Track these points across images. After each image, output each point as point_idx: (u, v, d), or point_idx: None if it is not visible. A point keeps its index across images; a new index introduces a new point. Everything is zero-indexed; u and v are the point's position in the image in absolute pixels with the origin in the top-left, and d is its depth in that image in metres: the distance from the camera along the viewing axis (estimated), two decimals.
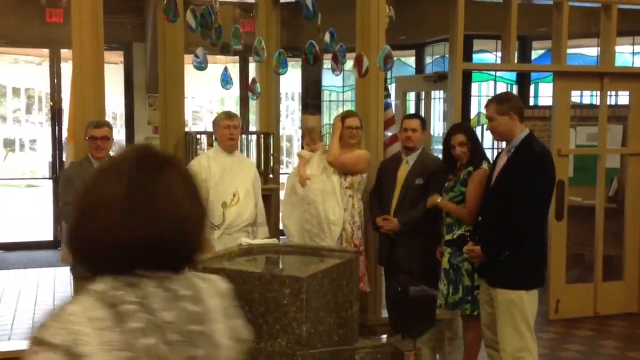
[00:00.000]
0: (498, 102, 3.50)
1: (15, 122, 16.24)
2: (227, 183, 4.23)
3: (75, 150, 4.25)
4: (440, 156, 4.32)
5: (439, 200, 3.94)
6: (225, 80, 4.11)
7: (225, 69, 4.14)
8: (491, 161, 3.93)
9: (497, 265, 3.37)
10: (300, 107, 10.72)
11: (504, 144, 3.66)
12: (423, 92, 7.44)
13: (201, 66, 3.90)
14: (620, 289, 5.73)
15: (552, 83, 5.68)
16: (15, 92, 15.45)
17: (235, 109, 9.26)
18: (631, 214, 5.75)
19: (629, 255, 5.74)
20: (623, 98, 7.23)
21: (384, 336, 4.43)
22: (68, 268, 4.29)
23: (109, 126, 4.10)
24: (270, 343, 3.07)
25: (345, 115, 4.54)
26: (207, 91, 12.30)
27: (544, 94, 10.00)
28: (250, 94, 4.40)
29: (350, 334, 3.49)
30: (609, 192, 6.77)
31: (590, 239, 5.80)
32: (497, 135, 3.56)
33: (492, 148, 7.75)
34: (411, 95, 7.85)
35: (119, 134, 9.12)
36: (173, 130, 5.02)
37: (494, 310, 3.43)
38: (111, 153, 4.16)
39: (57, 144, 8.53)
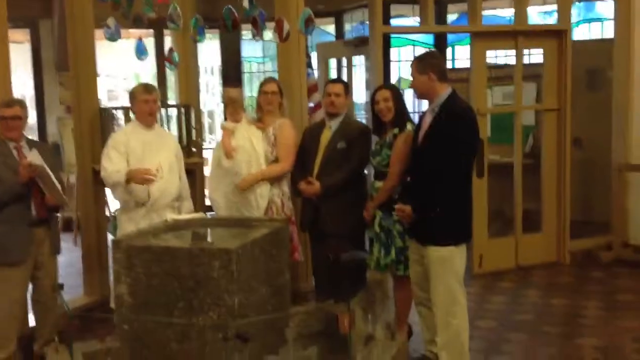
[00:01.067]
0: (418, 60, 3.55)
1: None
2: (149, 159, 4.09)
3: None
4: (364, 122, 4.34)
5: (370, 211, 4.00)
6: (140, 51, 3.96)
7: (140, 38, 3.98)
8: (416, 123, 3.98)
9: (426, 224, 3.43)
10: (221, 81, 10.50)
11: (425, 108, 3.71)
12: (345, 59, 7.43)
13: (113, 37, 3.73)
14: (539, 240, 6.00)
15: (469, 45, 5.79)
16: None
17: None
18: (547, 168, 5.99)
19: (546, 207, 5.99)
20: (536, 57, 7.50)
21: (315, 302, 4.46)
22: None
23: (21, 105, 3.88)
24: (201, 318, 3.03)
25: (262, 82, 4.49)
26: (121, 68, 11.87)
27: (460, 56, 10.24)
28: (168, 64, 4.25)
29: (282, 302, 3.49)
30: (525, 149, 7.05)
31: (510, 195, 6.01)
32: (417, 94, 3.61)
33: (415, 112, 7.87)
34: (333, 63, 7.83)
35: (30, 116, 8.71)
36: (87, 107, 4.83)
37: (424, 268, 3.51)
38: (24, 133, 3.95)
39: None
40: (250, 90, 11.39)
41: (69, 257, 6.09)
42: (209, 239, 3.56)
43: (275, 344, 3.22)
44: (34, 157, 3.74)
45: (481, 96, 5.69)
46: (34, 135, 8.71)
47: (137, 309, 3.18)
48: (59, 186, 3.86)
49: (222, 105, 10.40)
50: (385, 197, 3.89)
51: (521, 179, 5.88)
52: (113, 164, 4.02)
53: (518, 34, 5.76)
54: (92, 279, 5.00)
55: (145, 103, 4.10)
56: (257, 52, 12.08)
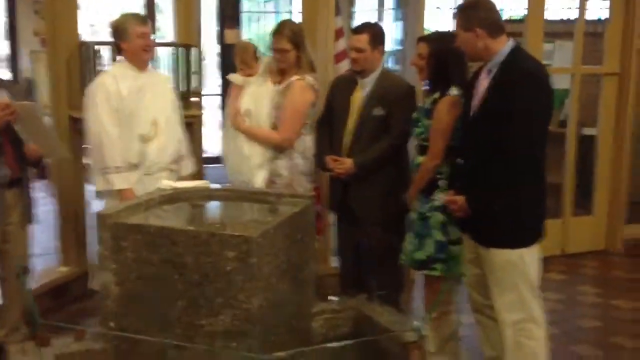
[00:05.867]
0: (460, 13, 2.90)
1: None
2: (143, 109, 3.47)
3: None
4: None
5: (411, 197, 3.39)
6: None
7: None
8: None
9: (488, 218, 2.83)
10: (218, 21, 9.79)
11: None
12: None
13: None
14: (589, 224, 5.54)
15: None
16: None
17: None
18: (602, 140, 5.53)
19: (599, 186, 5.52)
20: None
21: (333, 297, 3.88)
22: None
23: None
24: (210, 321, 2.50)
25: (271, 31, 3.78)
26: (105, 3, 11.06)
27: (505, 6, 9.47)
28: None
29: (306, 298, 2.97)
30: (560, 117, 6.54)
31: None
32: (467, 54, 2.98)
33: None
34: (359, 5, 7.07)
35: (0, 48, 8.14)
36: (64, 41, 4.19)
37: (482, 270, 2.94)
38: None
39: None
40: (249, 33, 10.66)
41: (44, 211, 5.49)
42: (219, 218, 3.00)
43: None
44: (4, 98, 3.16)
45: (537, 54, 5.09)
46: (4, 70, 8.13)
47: (126, 303, 2.65)
48: (54, 132, 3.28)
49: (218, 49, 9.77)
50: (427, 180, 3.29)
51: (574, 151, 5.35)
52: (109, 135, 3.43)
53: None
54: (68, 246, 4.49)
55: (141, 37, 3.46)
56: None
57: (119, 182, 3.46)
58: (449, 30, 3.86)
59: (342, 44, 4.55)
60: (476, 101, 2.88)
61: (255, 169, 3.68)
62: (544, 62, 6.08)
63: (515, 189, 2.77)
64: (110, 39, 3.66)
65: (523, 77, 2.74)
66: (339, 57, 4.55)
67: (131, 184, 3.48)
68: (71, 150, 4.19)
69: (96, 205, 3.91)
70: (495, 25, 2.82)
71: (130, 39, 3.48)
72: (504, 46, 2.82)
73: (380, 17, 6.64)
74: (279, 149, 3.68)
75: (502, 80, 2.77)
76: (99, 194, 3.59)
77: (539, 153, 2.81)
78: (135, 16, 3.57)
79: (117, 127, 3.45)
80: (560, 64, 6.26)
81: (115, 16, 3.62)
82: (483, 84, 2.87)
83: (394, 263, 3.43)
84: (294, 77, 3.68)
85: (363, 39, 3.57)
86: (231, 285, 2.45)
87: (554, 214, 5.43)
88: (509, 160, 2.72)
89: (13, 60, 8.31)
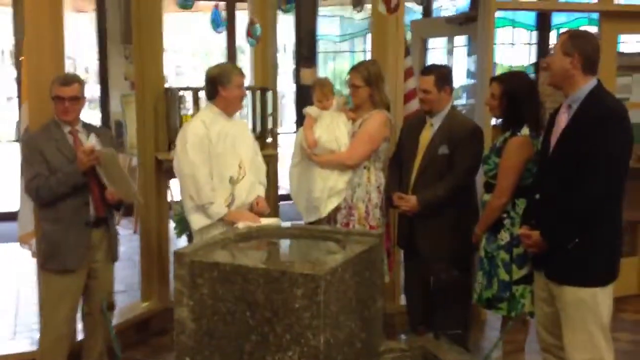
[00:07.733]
0: (569, 37, 2.89)
1: None
2: (229, 153, 3.60)
3: (30, 112, 3.63)
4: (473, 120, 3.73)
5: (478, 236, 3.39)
6: (217, 22, 3.47)
7: (216, 6, 3.49)
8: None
9: (562, 256, 2.81)
10: (295, 61, 10.04)
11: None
12: (446, 39, 6.71)
13: (186, 3, 3.26)
14: None
15: (587, 26, 5.12)
16: None
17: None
18: None
19: None
20: None
21: (403, 336, 3.88)
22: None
23: (80, 83, 3.44)
24: (279, 357, 2.55)
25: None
26: (188, 43, 11.53)
27: None
28: (248, 38, 3.73)
29: (373, 335, 2.98)
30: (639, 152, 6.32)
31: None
32: (551, 79, 2.96)
33: None
34: (430, 44, 7.10)
35: (92, 91, 8.52)
36: (151, 85, 4.43)
37: (554, 309, 2.89)
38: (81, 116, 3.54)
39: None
40: (324, 71, 10.88)
41: (129, 248, 5.73)
42: (289, 257, 3.07)
43: None
44: (92, 143, 3.36)
45: (610, 88, 4.95)
46: (96, 112, 8.52)
47: (200, 338, 2.73)
48: (130, 178, 3.45)
49: (294, 88, 10.03)
50: (494, 218, 3.28)
51: None
52: (203, 175, 3.53)
53: None
54: (150, 282, 4.64)
55: (239, 88, 3.61)
56: (333, 31, 11.53)
57: (218, 210, 3.55)
58: (521, 70, 3.85)
59: (411, 83, 4.60)
60: (554, 138, 2.88)
61: (326, 199, 3.76)
62: (622, 95, 5.99)
63: (591, 226, 2.74)
64: (190, 83, 3.84)
65: (603, 116, 2.74)
66: (408, 97, 4.60)
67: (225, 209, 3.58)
68: (156, 189, 4.40)
69: (179, 243, 4.04)
70: (592, 63, 2.83)
71: (231, 87, 3.61)
72: (587, 83, 2.81)
73: (450, 54, 6.65)
74: (343, 167, 3.76)
75: (582, 119, 2.78)
76: (197, 233, 3.66)
77: (616, 192, 2.79)
78: (236, 67, 3.74)
79: (207, 168, 3.56)
80: (638, 98, 6.07)
81: (212, 64, 3.78)
82: (562, 118, 2.87)
83: (461, 300, 3.42)
84: (374, 111, 3.80)
85: (429, 81, 3.64)
86: (299, 322, 2.50)
87: (631, 252, 5.21)
88: (586, 198, 2.71)
89: (103, 103, 8.74)
